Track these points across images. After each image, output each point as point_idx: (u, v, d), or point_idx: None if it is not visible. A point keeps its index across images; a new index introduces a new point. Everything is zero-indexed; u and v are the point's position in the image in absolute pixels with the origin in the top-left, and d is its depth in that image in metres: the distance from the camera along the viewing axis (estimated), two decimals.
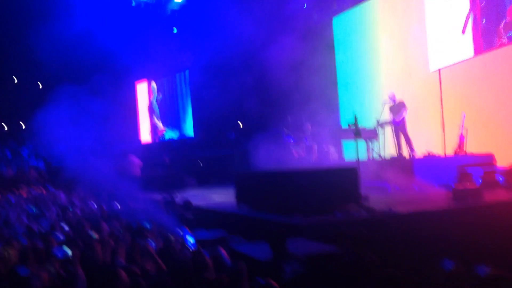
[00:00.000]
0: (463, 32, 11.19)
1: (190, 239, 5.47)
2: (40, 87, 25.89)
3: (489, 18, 10.70)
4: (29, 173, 20.51)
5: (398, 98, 11.86)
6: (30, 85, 27.46)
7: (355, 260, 4.81)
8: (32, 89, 26.75)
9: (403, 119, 11.67)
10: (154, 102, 23.70)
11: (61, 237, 6.52)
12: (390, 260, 5.35)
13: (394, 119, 11.75)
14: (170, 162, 18.45)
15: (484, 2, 10.77)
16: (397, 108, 11.78)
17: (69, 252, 4.79)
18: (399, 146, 11.76)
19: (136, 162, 16.35)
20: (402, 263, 5.31)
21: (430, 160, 10.97)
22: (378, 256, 4.79)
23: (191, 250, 5.36)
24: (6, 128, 26.75)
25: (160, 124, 23.37)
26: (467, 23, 11.13)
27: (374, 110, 12.87)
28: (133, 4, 18.39)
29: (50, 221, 8.87)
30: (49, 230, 7.53)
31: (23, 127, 26.62)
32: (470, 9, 11.06)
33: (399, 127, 11.69)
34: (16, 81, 28.65)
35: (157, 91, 23.63)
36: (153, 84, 23.77)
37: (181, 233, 6.27)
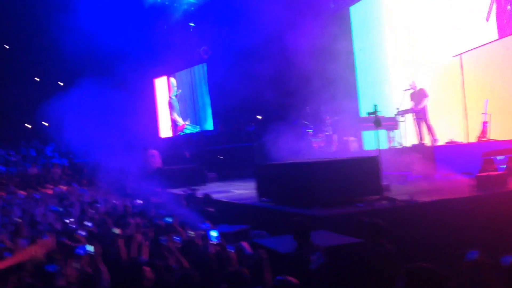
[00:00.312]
0: (487, 19, 10.93)
1: (213, 233, 5.50)
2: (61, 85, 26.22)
3: None
4: (53, 171, 20.89)
5: (419, 85, 11.71)
6: (51, 84, 27.90)
7: (377, 251, 4.79)
8: (53, 88, 27.16)
9: (425, 106, 11.52)
10: (174, 98, 23.81)
11: (85, 234, 6.64)
12: (413, 250, 5.31)
13: (415, 107, 11.59)
14: (190, 156, 18.56)
15: None
16: (418, 95, 11.62)
17: (92, 249, 4.85)
18: (420, 134, 11.62)
19: (156, 155, 16.47)
20: (424, 253, 5.27)
21: (452, 147, 10.80)
22: (398, 247, 4.76)
23: (214, 244, 5.39)
24: (30, 127, 27.28)
25: (180, 120, 23.50)
26: (491, 10, 10.87)
27: (394, 99, 12.72)
28: None
29: (75, 218, 9.02)
30: (73, 227, 7.67)
31: (46, 125, 27.08)
32: None
33: (420, 115, 11.54)
34: (38, 80, 29.17)
35: (177, 87, 23.70)
36: (172, 80, 23.86)
37: (203, 227, 6.30)
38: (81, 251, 4.84)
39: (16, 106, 28.29)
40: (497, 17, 10.75)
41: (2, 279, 4.57)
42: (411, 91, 11.73)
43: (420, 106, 11.49)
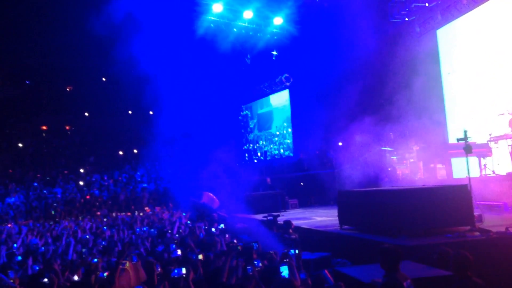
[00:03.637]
0: None
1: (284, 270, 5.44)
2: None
3: None
4: (141, 195, 21.94)
5: None
6: (142, 115, 29.69)
7: (464, 284, 4.52)
8: (144, 118, 28.91)
9: None
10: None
11: (174, 255, 6.89)
12: (507, 285, 4.95)
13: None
14: (271, 182, 18.69)
15: None
16: None
17: (184, 271, 5.10)
18: None
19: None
20: None
21: None
22: (491, 281, 4.46)
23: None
24: (121, 153, 29.04)
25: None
26: None
27: (486, 124, 12.02)
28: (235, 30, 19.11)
29: (161, 240, 9.39)
30: (162, 249, 7.98)
31: (135, 152, 28.70)
32: None
33: None
34: (130, 112, 31.22)
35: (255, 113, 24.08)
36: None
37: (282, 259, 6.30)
38: (176, 274, 5.10)
39: (111, 135, 30.39)
40: None
41: None
42: (509, 116, 11.01)
43: None
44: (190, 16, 17.67)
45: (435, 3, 14.31)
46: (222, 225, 10.84)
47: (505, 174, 10.71)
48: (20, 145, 29.05)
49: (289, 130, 21.77)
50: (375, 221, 8.13)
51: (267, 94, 23.35)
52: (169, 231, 10.91)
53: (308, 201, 17.22)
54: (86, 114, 33.26)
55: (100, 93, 31.40)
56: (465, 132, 8.43)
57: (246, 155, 25.05)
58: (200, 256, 6.69)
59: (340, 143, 17.73)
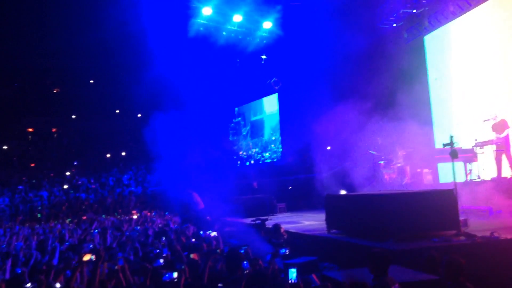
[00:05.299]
0: None
1: (292, 271, 5.45)
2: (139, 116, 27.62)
3: None
4: (129, 198, 21.79)
5: (500, 115, 11.16)
6: (130, 117, 29.52)
7: None
8: (132, 120, 28.77)
9: (506, 138, 10.93)
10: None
11: (161, 260, 6.83)
12: None
13: (496, 138, 11.04)
14: (258, 187, 18.69)
15: None
16: (499, 126, 11.06)
17: (176, 275, 5.08)
18: (500, 167, 11.00)
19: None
20: None
21: None
22: (477, 287, 4.51)
23: (283, 277, 5.36)
24: (109, 156, 28.82)
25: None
26: None
27: (472, 129, 12.19)
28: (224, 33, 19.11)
29: (149, 244, 9.32)
30: (149, 253, 7.92)
31: (123, 154, 28.50)
32: None
33: (501, 146, 10.96)
34: (118, 111, 30.93)
35: (247, 117, 24.09)
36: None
37: (273, 258, 6.30)
38: (168, 278, 5.07)
39: (98, 138, 30.17)
40: None
41: None
42: (492, 122, 11.19)
43: (502, 137, 10.92)
44: (180, 19, 17.66)
45: (422, 9, 14.50)
46: (214, 233, 10.75)
47: (490, 179, 10.87)
48: (6, 147, 28.72)
49: (278, 133, 21.82)
50: (362, 225, 8.18)
51: (256, 98, 23.37)
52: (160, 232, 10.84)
53: (296, 205, 17.24)
54: (73, 116, 32.98)
55: (88, 96, 31.15)
56: (451, 137, 8.53)
57: (239, 162, 24.89)
58: (193, 255, 6.64)
59: (328, 147, 17.81)
